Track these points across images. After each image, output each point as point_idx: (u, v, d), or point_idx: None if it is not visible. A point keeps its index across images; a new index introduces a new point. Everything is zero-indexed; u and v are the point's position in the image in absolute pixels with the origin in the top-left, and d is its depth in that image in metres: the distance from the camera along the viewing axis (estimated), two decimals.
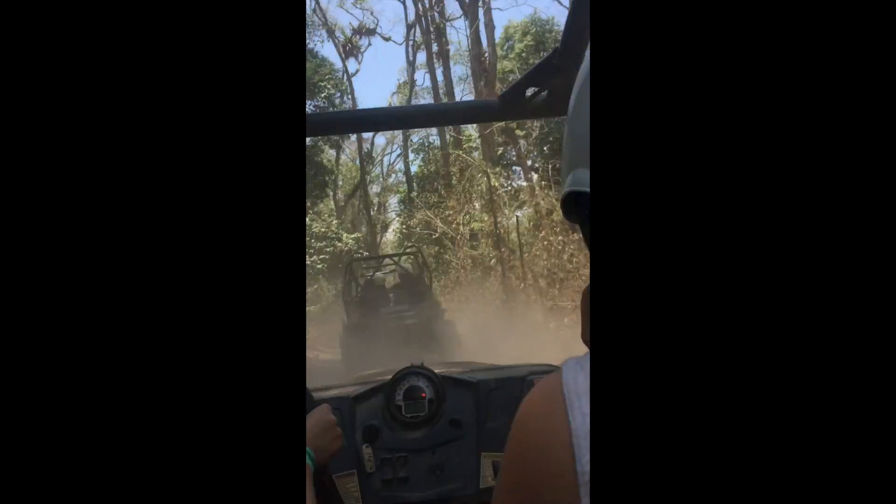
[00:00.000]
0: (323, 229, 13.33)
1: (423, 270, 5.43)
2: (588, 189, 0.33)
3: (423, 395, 0.91)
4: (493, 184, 7.61)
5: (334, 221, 14.32)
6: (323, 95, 13.71)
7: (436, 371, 0.94)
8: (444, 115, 0.79)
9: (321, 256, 12.63)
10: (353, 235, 14.58)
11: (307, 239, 12.12)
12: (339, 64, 14.29)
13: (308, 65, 13.42)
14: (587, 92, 0.37)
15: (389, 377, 0.93)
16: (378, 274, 5.41)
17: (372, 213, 16.68)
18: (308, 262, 11.78)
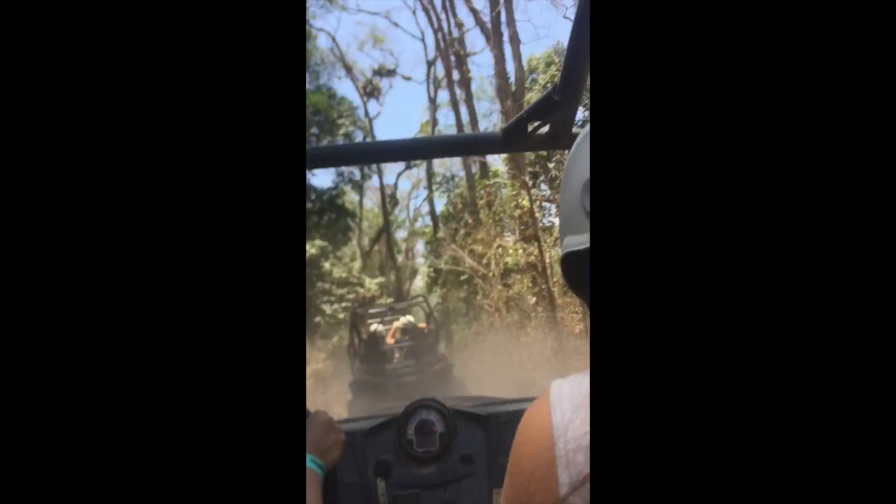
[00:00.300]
0: (344, 274, 13.45)
1: (429, 321, 5.43)
2: (575, 248, 0.41)
3: (435, 429, 0.95)
4: (530, 205, 6.45)
5: (356, 264, 14.47)
6: (342, 132, 14.24)
7: (446, 405, 0.98)
8: (448, 146, 0.87)
9: (343, 304, 12.68)
10: (376, 280, 14.66)
11: (329, 286, 12.20)
12: (358, 102, 15.01)
13: (326, 101, 14.05)
14: (576, 161, 0.44)
15: (400, 411, 0.97)
16: (378, 327, 5.40)
17: (399, 259, 16.93)
18: (329, 311, 11.92)
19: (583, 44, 0.68)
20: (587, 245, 0.40)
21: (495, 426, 0.97)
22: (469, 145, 0.85)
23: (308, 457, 0.64)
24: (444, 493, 0.88)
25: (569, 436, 0.36)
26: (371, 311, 6.21)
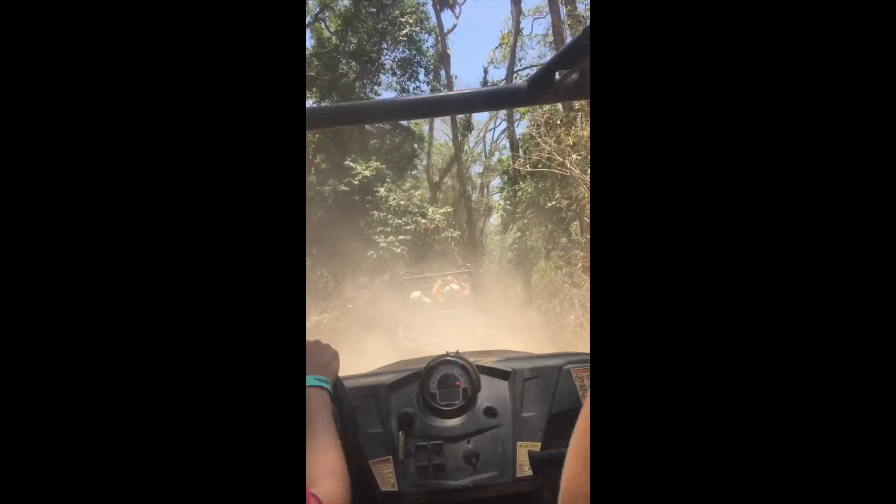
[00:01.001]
0: (403, 202, 13.32)
1: (474, 290, 6.06)
2: None
3: (458, 383, 1.10)
4: None
5: (416, 193, 14.49)
6: (403, 33, 13.82)
7: (470, 360, 1.13)
8: (469, 102, 0.94)
9: (400, 237, 12.63)
10: (441, 210, 14.78)
11: (384, 215, 12.36)
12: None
13: None
14: None
15: (423, 366, 1.13)
16: (419, 294, 6.01)
17: (472, 195, 17.00)
18: (384, 243, 12.02)
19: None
20: None
21: (519, 381, 1.12)
22: (493, 99, 0.92)
23: (312, 378, 0.80)
24: (468, 445, 1.05)
25: None
26: (419, 276, 6.87)
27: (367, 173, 12.62)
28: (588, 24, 0.79)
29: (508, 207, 13.97)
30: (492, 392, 1.13)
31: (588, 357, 1.20)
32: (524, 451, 1.04)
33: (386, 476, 1.05)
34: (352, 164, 12.77)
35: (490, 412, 1.09)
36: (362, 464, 1.03)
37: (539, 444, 1.04)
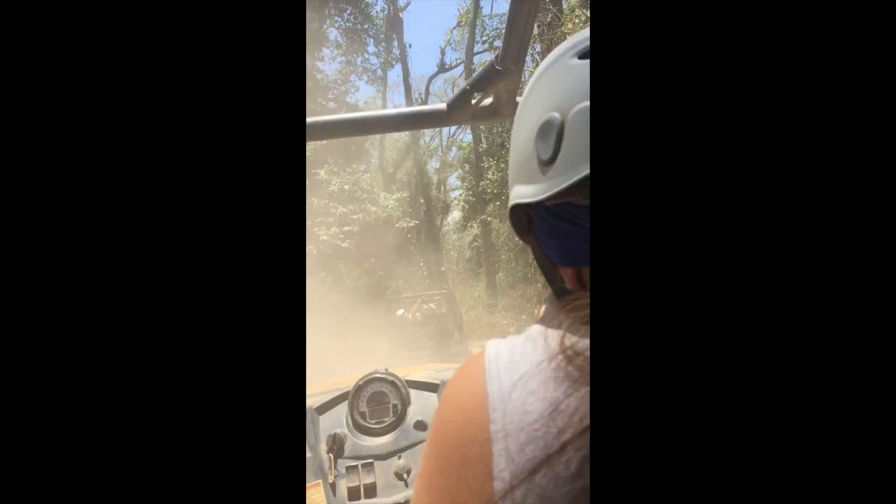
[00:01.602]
0: (347, 186, 12.62)
1: (450, 311, 7.86)
2: (525, 200, 0.49)
3: (388, 399, 1.24)
4: None
5: (365, 177, 14.01)
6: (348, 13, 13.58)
7: (399, 376, 1.27)
8: (393, 121, 1.08)
9: (345, 228, 12.09)
10: (394, 196, 14.41)
11: (325, 203, 12.04)
12: None
13: None
14: (529, 102, 0.51)
15: (352, 385, 1.27)
16: (403, 312, 7.78)
17: (431, 193, 17.06)
18: (326, 237, 11.68)
19: (524, 12, 0.86)
20: (538, 198, 0.47)
21: None
22: (413, 119, 1.06)
23: None
24: (399, 461, 1.19)
25: (508, 410, 0.38)
26: (402, 296, 8.80)
27: (324, 175, 12.26)
28: (499, 50, 0.96)
29: (471, 199, 14.12)
30: (422, 406, 1.29)
31: None
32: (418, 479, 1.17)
33: (316, 501, 1.18)
34: None
35: (420, 426, 1.24)
36: None
37: None
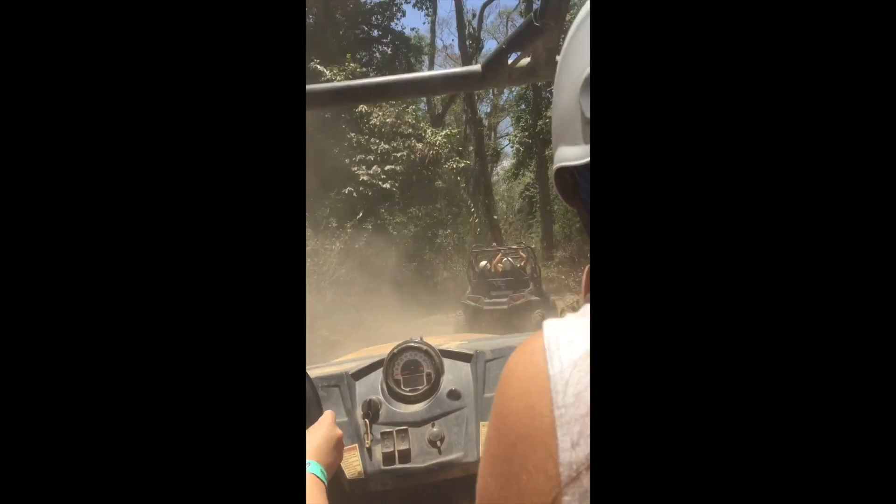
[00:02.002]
0: (391, 119, 12.34)
1: (528, 263, 9.82)
2: (570, 163, 0.50)
3: (422, 368, 1.33)
4: None
5: (410, 110, 13.76)
6: None
7: (434, 345, 1.35)
8: (425, 85, 1.13)
9: (387, 167, 11.95)
10: (442, 132, 14.24)
11: (366, 139, 12.07)
12: None
13: None
14: (570, 56, 0.51)
15: (386, 353, 1.36)
16: (485, 264, 9.98)
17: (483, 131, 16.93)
18: (366, 177, 11.73)
19: None
20: (585, 160, 0.48)
21: (481, 362, 1.39)
22: (448, 82, 1.10)
23: (313, 463, 0.95)
24: (432, 429, 1.29)
25: (569, 394, 0.40)
26: (485, 248, 11.32)
27: (341, 80, 11.94)
28: (536, 7, 0.98)
29: (527, 140, 13.90)
30: (455, 375, 1.39)
31: None
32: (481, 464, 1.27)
33: (352, 464, 1.30)
34: (319, 67, 11.71)
35: (453, 395, 1.34)
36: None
37: None
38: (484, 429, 1.30)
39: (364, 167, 11.73)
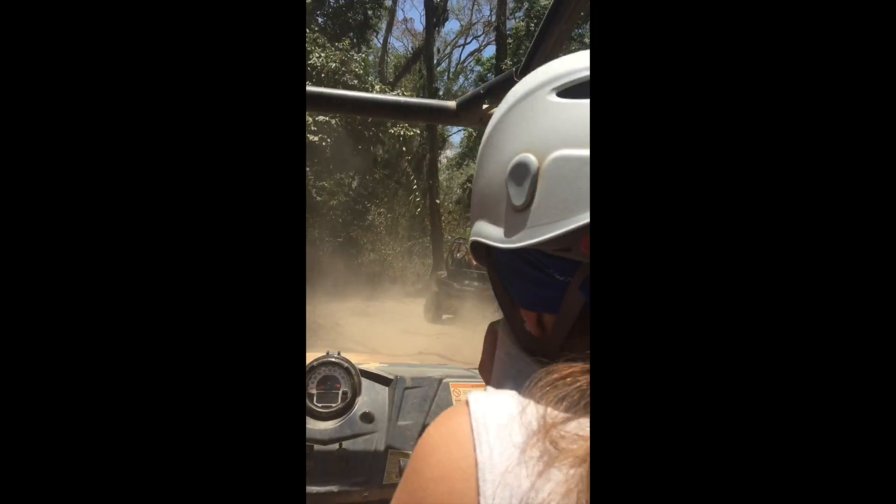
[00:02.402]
0: (333, 64, 12.29)
1: None
2: (490, 242, 0.56)
3: (339, 386, 1.50)
4: None
5: (358, 56, 13.69)
6: None
7: (354, 363, 1.52)
8: (401, 109, 1.29)
9: (318, 117, 11.70)
10: (392, 92, 14.07)
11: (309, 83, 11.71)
12: None
13: None
14: (492, 143, 0.58)
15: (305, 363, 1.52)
16: (463, 255, 12.23)
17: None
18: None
19: (555, 32, 1.08)
20: (507, 245, 0.54)
21: (400, 388, 1.57)
22: (421, 111, 1.25)
23: None
24: (339, 449, 1.45)
25: (500, 487, 0.42)
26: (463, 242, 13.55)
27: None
28: (520, 64, 1.18)
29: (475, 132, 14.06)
30: (371, 398, 1.54)
31: (468, 373, 1.68)
32: (395, 460, 1.47)
33: None
34: None
35: (366, 417, 1.50)
36: None
37: (410, 454, 1.43)
38: (392, 457, 1.47)
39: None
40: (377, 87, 13.76)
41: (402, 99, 1.25)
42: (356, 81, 12.82)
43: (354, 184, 13.54)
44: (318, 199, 12.40)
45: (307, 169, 11.87)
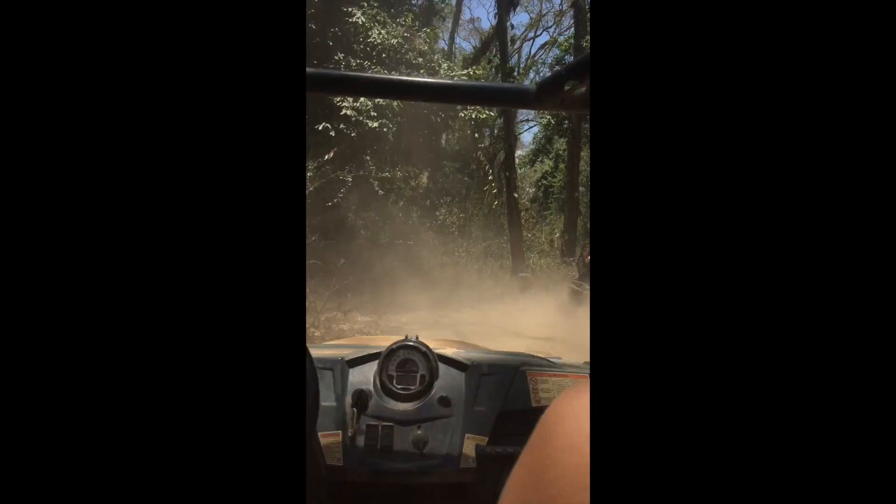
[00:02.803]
0: (395, 41, 12.11)
1: None
2: None
3: (416, 368, 1.78)
4: None
5: (422, 32, 13.62)
6: None
7: (431, 347, 1.80)
8: (477, 94, 1.34)
9: (380, 101, 11.34)
10: (463, 71, 14.02)
11: (359, 62, 11.96)
12: None
13: None
14: None
15: (384, 346, 1.80)
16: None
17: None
18: (350, 111, 11.39)
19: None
20: None
21: (476, 375, 1.83)
22: (500, 96, 1.36)
23: None
24: (417, 430, 1.72)
25: None
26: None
27: (363, 19, 11.81)
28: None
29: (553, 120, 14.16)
30: (448, 382, 1.80)
31: (547, 362, 1.91)
32: (471, 444, 1.70)
33: (333, 450, 1.69)
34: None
35: (444, 402, 1.75)
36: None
37: (486, 439, 1.69)
38: (468, 442, 1.71)
39: (349, 98, 11.28)
40: (444, 66, 13.84)
41: (480, 84, 1.36)
42: (420, 59, 12.88)
43: (424, 178, 13.75)
44: (380, 192, 12.48)
45: (366, 158, 12.20)
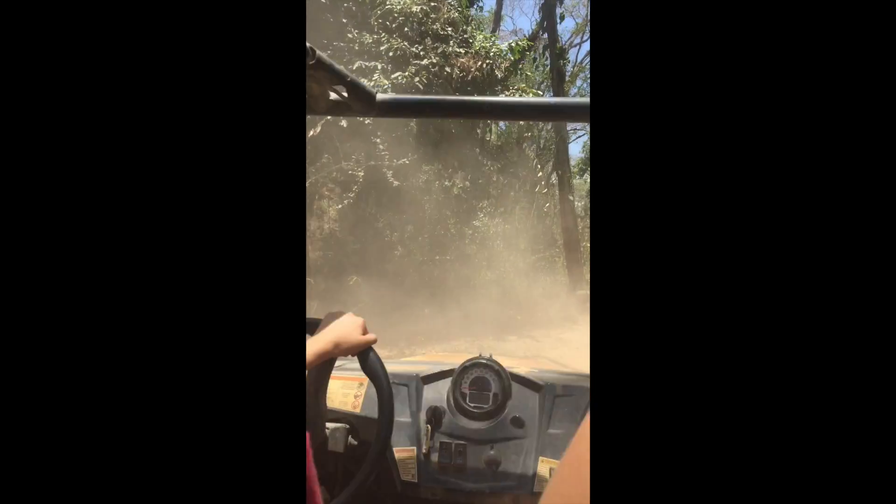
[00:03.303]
0: (417, 7, 11.65)
1: None
2: None
3: (489, 387, 2.07)
4: None
5: (452, 6, 13.28)
6: None
7: (504, 366, 2.11)
8: (531, 110, 1.51)
9: (400, 76, 11.26)
10: (503, 43, 13.56)
11: (376, 37, 11.63)
12: None
13: None
14: None
15: (458, 363, 2.11)
16: None
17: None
18: (386, 82, 11.23)
19: None
20: None
21: (550, 395, 2.09)
22: (555, 111, 1.56)
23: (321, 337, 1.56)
24: (490, 451, 1.99)
25: None
26: None
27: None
28: None
29: None
30: (521, 402, 2.05)
31: None
32: (546, 468, 1.93)
33: (408, 465, 1.94)
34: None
35: (517, 422, 2.00)
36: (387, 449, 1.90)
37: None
38: (542, 465, 1.94)
39: (365, 78, 11.43)
40: (480, 36, 13.60)
41: (532, 99, 1.50)
42: (450, 29, 12.65)
43: (459, 181, 13.47)
44: (398, 183, 12.08)
45: (385, 152, 11.91)
